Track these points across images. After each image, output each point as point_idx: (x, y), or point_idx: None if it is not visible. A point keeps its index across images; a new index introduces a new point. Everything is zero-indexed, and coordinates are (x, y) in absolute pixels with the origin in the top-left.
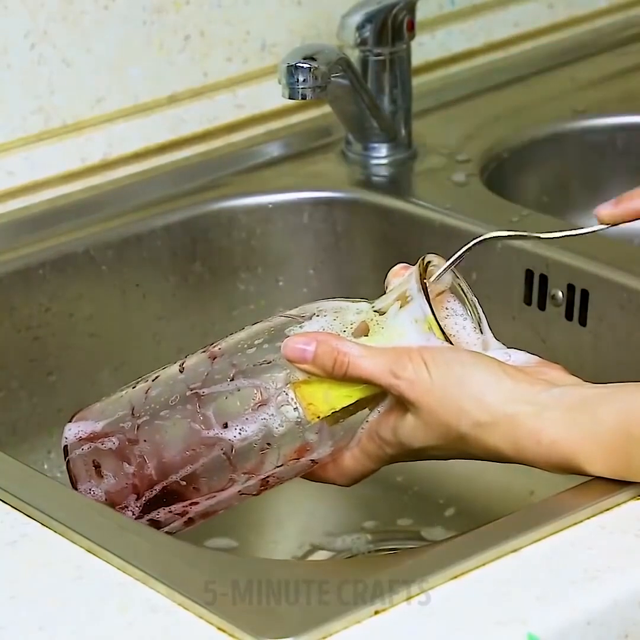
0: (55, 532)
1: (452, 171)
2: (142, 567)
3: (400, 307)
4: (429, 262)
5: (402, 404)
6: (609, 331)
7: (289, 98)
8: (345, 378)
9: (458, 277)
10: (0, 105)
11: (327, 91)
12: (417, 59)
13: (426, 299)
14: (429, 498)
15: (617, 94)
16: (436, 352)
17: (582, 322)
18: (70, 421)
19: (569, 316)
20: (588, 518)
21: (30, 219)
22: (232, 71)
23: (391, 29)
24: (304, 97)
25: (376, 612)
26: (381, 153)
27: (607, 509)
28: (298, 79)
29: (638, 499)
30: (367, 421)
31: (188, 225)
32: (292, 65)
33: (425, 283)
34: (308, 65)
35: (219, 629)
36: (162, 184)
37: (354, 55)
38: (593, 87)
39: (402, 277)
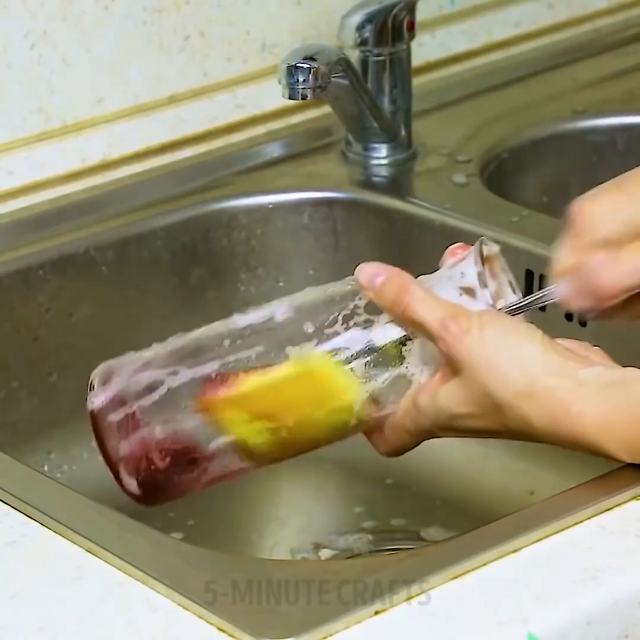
0: (55, 532)
1: (452, 171)
2: (142, 567)
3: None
4: (484, 244)
5: (445, 371)
6: (609, 331)
7: (289, 98)
8: (403, 317)
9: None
10: (0, 105)
11: (327, 91)
12: (417, 59)
13: (484, 283)
14: (428, 498)
15: (617, 94)
16: (494, 317)
17: (582, 322)
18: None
19: (568, 316)
20: (588, 518)
21: (30, 219)
22: (232, 71)
23: (391, 29)
24: (304, 98)
25: (376, 612)
26: (381, 153)
27: (607, 509)
28: (298, 79)
29: (638, 499)
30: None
31: (188, 226)
32: (292, 66)
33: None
34: (308, 66)
35: (219, 629)
36: (162, 184)
37: (354, 56)
38: (593, 87)
39: (458, 256)
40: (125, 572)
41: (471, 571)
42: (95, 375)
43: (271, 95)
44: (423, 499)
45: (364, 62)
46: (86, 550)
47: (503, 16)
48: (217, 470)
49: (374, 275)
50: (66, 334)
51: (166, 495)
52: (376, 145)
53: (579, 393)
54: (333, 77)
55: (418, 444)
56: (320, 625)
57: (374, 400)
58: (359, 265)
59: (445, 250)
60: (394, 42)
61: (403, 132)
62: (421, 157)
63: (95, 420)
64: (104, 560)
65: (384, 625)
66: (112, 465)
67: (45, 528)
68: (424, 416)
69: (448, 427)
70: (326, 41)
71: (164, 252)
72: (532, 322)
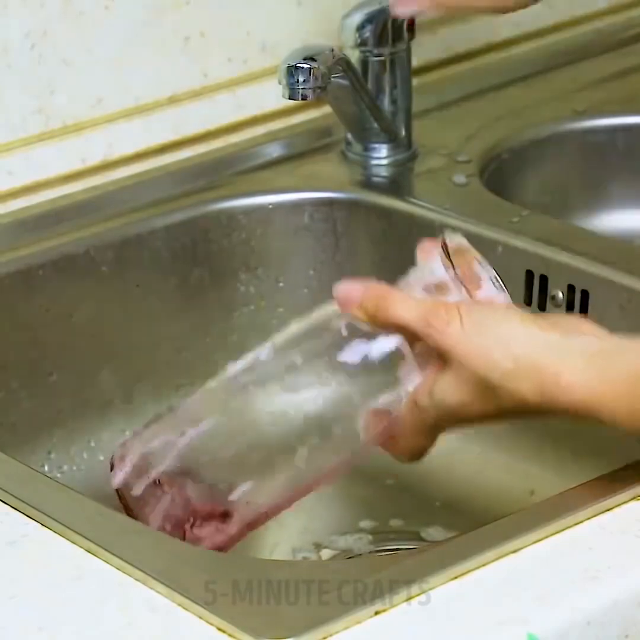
0: (55, 532)
1: (452, 172)
2: (142, 567)
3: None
4: (447, 237)
5: (437, 368)
6: (609, 331)
7: (289, 99)
8: (387, 324)
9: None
10: (0, 105)
11: (327, 91)
12: (417, 59)
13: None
14: (428, 498)
15: (617, 94)
16: (472, 305)
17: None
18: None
19: None
20: (588, 518)
21: (30, 220)
22: (232, 71)
23: (391, 30)
24: (304, 98)
25: (376, 612)
26: (381, 153)
27: (607, 509)
28: (298, 80)
29: (638, 499)
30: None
31: (188, 226)
32: (292, 66)
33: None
34: (308, 66)
35: (219, 629)
36: (162, 184)
37: (354, 56)
38: (593, 88)
39: (426, 253)
40: (125, 572)
41: (471, 571)
42: (113, 456)
43: (271, 95)
44: (423, 499)
45: (364, 63)
46: (86, 550)
47: (503, 16)
48: (249, 514)
49: (351, 290)
50: (66, 334)
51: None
52: (376, 146)
53: (566, 364)
54: (333, 77)
55: (434, 442)
56: (320, 625)
57: (377, 413)
58: (335, 287)
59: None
60: (394, 42)
61: (403, 132)
62: (421, 157)
63: (122, 497)
64: (104, 560)
65: (384, 625)
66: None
67: (45, 528)
68: (426, 414)
69: (451, 420)
70: (326, 41)
71: (164, 252)
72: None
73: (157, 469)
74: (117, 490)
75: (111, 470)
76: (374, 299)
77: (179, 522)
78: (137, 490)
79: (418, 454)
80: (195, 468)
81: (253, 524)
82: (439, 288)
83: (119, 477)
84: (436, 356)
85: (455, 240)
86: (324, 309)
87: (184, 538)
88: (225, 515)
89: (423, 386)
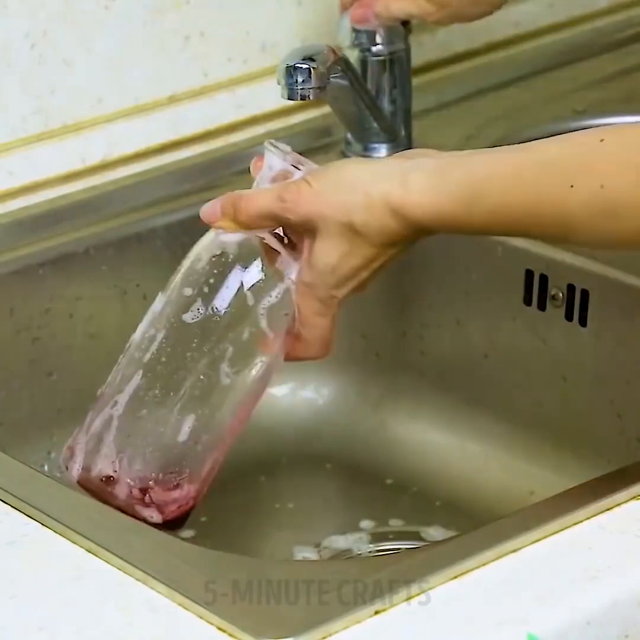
0: (55, 532)
1: None
2: (142, 567)
3: None
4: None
5: (308, 241)
6: (609, 331)
7: (289, 99)
8: (249, 221)
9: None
10: (0, 105)
11: (326, 91)
12: (417, 59)
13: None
14: (428, 498)
15: (617, 94)
16: (315, 170)
17: (582, 322)
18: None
19: (569, 316)
20: (588, 518)
21: (30, 219)
22: (232, 71)
23: (385, 28)
24: (303, 98)
25: (376, 612)
26: (381, 153)
27: (607, 509)
28: (297, 80)
29: (638, 499)
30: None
31: (188, 225)
32: (291, 66)
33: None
34: (307, 66)
35: (219, 629)
36: (162, 184)
37: (354, 56)
38: (593, 88)
39: (259, 162)
40: (125, 572)
41: (471, 571)
42: (61, 459)
43: (271, 95)
44: (423, 499)
45: (364, 62)
46: (86, 550)
47: (503, 16)
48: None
49: (209, 207)
50: (66, 334)
51: (182, 503)
52: (376, 145)
53: (409, 183)
54: (332, 77)
55: (334, 318)
56: (320, 625)
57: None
58: (200, 210)
59: (444, 251)
60: (390, 38)
61: (403, 132)
62: None
63: (85, 487)
64: (104, 560)
65: (384, 625)
66: (127, 513)
67: (45, 528)
68: (316, 289)
69: (341, 283)
70: (326, 41)
71: (164, 252)
72: (531, 324)
73: (105, 442)
74: (79, 482)
75: (66, 470)
76: (231, 203)
77: (143, 490)
78: (95, 471)
79: (326, 340)
80: (138, 426)
81: (208, 473)
82: (283, 176)
83: (74, 471)
84: (302, 233)
85: (281, 146)
86: (195, 248)
87: (154, 496)
88: (179, 474)
89: (303, 265)
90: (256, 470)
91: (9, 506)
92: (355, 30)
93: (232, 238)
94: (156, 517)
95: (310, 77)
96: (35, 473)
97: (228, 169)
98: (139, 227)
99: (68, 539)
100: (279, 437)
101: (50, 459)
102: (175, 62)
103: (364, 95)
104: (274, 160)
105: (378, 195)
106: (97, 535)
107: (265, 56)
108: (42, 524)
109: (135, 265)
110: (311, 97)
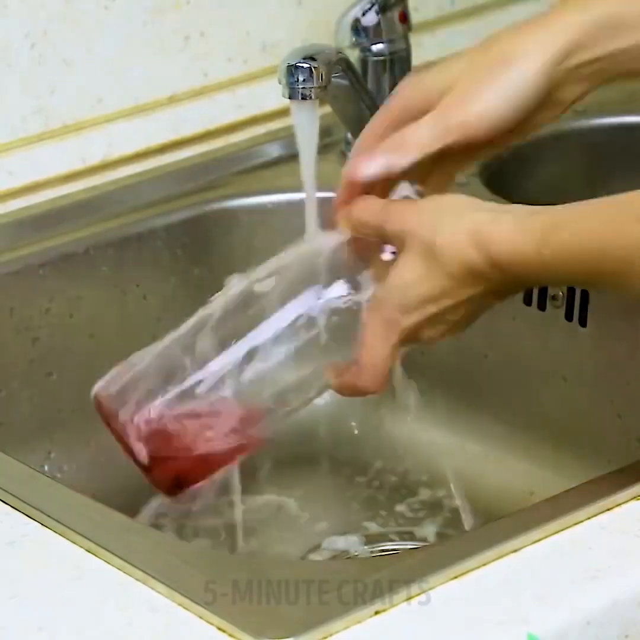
0: (55, 532)
1: None
2: (142, 567)
3: None
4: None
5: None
6: (609, 331)
7: (289, 98)
8: (356, 222)
9: None
10: (0, 105)
11: (327, 91)
12: (417, 59)
13: None
14: (428, 499)
15: (617, 94)
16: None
17: (582, 322)
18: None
19: (569, 317)
20: (588, 518)
21: (30, 219)
22: (232, 71)
23: (384, 24)
24: (304, 97)
25: (376, 612)
26: None
27: (607, 509)
28: (298, 79)
29: (638, 499)
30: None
31: (188, 226)
32: (292, 65)
33: None
34: (308, 65)
35: (219, 629)
36: (162, 184)
37: (354, 56)
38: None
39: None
40: (125, 572)
41: (471, 571)
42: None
43: (271, 95)
44: (423, 499)
45: (364, 62)
46: (86, 550)
47: (503, 16)
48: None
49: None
50: (66, 334)
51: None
52: None
53: (500, 221)
54: (333, 77)
55: (392, 355)
56: (320, 625)
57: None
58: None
59: None
60: (389, 35)
61: None
62: None
63: (99, 404)
64: (104, 560)
65: (384, 625)
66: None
67: (45, 528)
68: (383, 305)
69: (406, 309)
70: (326, 41)
71: (164, 252)
72: (531, 324)
73: (135, 369)
74: (95, 396)
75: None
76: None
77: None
78: (113, 388)
79: (378, 369)
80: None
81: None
82: None
83: (98, 384)
84: (396, 248)
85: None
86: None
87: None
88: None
89: (381, 282)
90: (256, 470)
91: (9, 506)
92: (355, 30)
93: (328, 243)
94: (143, 456)
95: (312, 77)
96: (35, 473)
97: (228, 169)
98: (139, 227)
99: (68, 539)
100: (278, 437)
101: (50, 459)
102: (175, 62)
103: (365, 96)
104: (403, 188)
105: (469, 221)
106: (97, 535)
107: (265, 56)
108: (42, 524)
109: (135, 266)
110: (312, 97)
